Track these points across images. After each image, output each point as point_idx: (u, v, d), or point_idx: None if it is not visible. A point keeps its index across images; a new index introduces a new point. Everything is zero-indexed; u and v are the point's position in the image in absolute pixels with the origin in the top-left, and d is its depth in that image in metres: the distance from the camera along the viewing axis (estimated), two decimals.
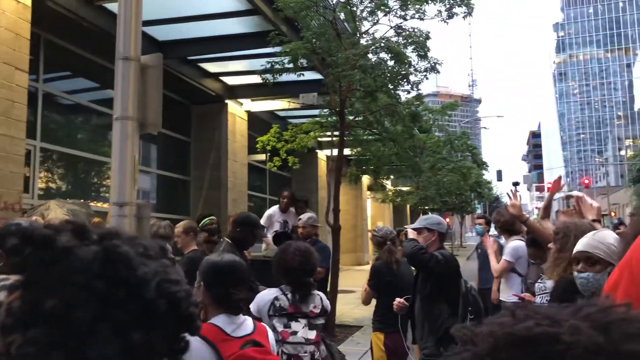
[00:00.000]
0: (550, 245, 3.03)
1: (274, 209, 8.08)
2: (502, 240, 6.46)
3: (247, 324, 2.25)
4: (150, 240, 0.83)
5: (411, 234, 3.88)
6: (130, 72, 4.66)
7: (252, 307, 3.09)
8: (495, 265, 5.77)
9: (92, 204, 9.75)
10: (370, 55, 8.60)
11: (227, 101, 11.89)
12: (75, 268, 0.70)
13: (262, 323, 2.45)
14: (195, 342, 2.12)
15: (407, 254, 3.84)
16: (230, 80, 11.71)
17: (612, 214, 44.73)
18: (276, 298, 3.07)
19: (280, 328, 2.99)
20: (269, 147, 10.77)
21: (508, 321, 0.56)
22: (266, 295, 3.14)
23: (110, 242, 0.74)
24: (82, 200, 8.01)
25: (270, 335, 2.41)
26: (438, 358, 3.54)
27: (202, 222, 6.08)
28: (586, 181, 48.28)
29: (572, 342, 0.51)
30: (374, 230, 5.34)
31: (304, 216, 6.47)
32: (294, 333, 2.99)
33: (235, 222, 4.89)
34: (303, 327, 3.04)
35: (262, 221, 6.64)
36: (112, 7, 7.54)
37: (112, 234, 0.77)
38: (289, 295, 3.08)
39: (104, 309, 0.69)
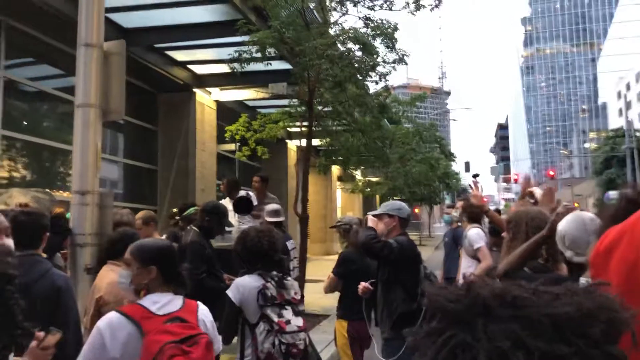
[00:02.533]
0: (504, 234, 3.11)
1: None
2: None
3: (175, 302, 2.33)
4: None
5: (370, 222, 3.90)
6: (92, 59, 4.59)
7: (233, 295, 3.05)
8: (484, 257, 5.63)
9: (57, 192, 9.57)
10: (338, 46, 8.62)
11: (195, 90, 11.77)
12: None
13: (193, 301, 2.45)
14: (119, 319, 2.18)
15: (360, 244, 3.87)
16: (199, 69, 11.59)
17: (576, 204, 45.81)
18: (265, 287, 3.02)
19: (275, 318, 2.96)
20: (237, 137, 10.72)
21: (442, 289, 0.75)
22: (249, 283, 3.07)
23: None
24: (45, 190, 7.86)
25: (202, 311, 2.42)
26: (395, 341, 3.62)
27: (187, 212, 6.10)
28: (551, 173, 49.33)
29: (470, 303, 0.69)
30: (338, 220, 5.38)
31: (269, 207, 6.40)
32: (288, 322, 2.99)
33: (204, 210, 4.89)
34: (292, 315, 3.04)
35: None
36: None
37: None
38: (273, 283, 3.06)
39: None
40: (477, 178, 5.08)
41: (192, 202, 6.98)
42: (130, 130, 11.56)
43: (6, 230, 2.27)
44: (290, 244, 6.08)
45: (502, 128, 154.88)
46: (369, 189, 21.33)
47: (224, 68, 10.43)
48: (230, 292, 3.09)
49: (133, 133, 11.69)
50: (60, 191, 9.70)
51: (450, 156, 31.24)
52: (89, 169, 4.51)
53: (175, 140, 11.77)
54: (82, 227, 4.39)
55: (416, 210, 38.05)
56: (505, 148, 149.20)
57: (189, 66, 11.39)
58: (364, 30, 8.60)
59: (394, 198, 22.28)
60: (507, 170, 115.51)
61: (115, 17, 8.76)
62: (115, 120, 5.87)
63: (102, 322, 2.20)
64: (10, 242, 2.29)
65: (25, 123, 9.08)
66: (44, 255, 3.15)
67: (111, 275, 3.12)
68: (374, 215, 3.98)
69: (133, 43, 9.04)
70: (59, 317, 2.70)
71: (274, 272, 3.15)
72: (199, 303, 2.44)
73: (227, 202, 6.42)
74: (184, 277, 2.43)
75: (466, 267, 5.84)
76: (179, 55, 10.78)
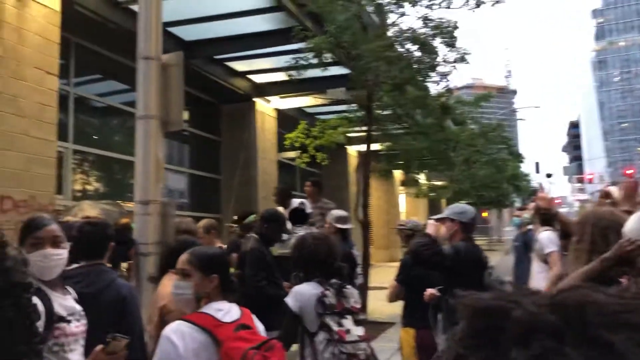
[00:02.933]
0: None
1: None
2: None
3: (234, 310, 2.31)
4: None
5: (430, 227, 3.73)
6: (151, 72, 4.69)
7: (292, 303, 2.98)
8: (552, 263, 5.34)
9: (127, 204, 9.92)
10: (396, 47, 8.48)
11: (255, 99, 11.92)
12: None
13: (245, 308, 2.41)
14: (189, 328, 2.14)
15: (410, 251, 3.71)
16: (258, 78, 11.72)
17: None
18: (324, 295, 2.93)
19: (335, 327, 2.86)
20: (297, 144, 10.75)
21: (482, 295, 0.60)
22: (307, 291, 2.99)
23: None
24: (116, 202, 8.14)
25: (254, 317, 2.38)
26: None
27: (247, 219, 6.16)
28: (629, 171, 46.73)
29: (519, 318, 0.53)
30: (400, 223, 5.21)
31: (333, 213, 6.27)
32: (348, 331, 2.89)
33: (263, 218, 4.88)
34: (352, 324, 2.94)
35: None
36: (137, 7, 7.61)
37: None
38: (333, 291, 2.97)
39: None
40: (550, 178, 4.79)
41: (251, 210, 7.01)
42: (195, 141, 11.85)
43: (53, 239, 2.30)
44: (354, 252, 5.95)
45: (574, 126, 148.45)
46: (433, 193, 20.90)
47: (282, 76, 10.51)
48: (288, 300, 3.03)
49: (197, 144, 11.97)
50: (129, 202, 10.03)
51: (518, 157, 30.14)
52: (150, 179, 4.60)
53: (238, 149, 11.95)
54: (146, 237, 4.47)
55: (484, 214, 36.97)
56: (578, 147, 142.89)
57: (249, 76, 11.54)
58: (422, 30, 8.42)
59: (461, 202, 21.73)
60: (580, 169, 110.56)
61: (176, 30, 8.99)
62: (175, 131, 5.99)
63: (171, 331, 2.16)
64: (64, 252, 2.31)
65: (95, 137, 9.46)
66: (109, 265, 3.21)
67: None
68: (437, 220, 3.81)
69: (194, 55, 9.25)
70: (125, 326, 2.72)
71: (333, 280, 3.06)
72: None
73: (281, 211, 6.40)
74: (236, 285, 2.42)
75: (538, 272, 5.53)
76: (239, 66, 10.94)
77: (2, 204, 6.23)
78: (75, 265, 2.97)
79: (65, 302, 2.34)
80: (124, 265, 4.65)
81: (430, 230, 3.72)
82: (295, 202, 6.41)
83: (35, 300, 2.17)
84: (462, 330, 0.57)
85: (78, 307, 2.40)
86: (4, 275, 1.32)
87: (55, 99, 7.03)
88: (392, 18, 9.08)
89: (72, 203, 8.24)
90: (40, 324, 2.14)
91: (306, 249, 3.13)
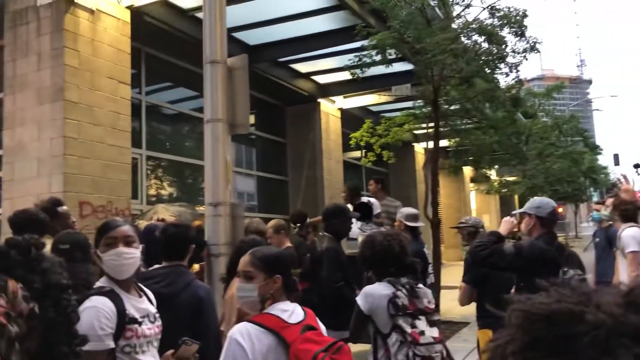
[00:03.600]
0: None
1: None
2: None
3: (298, 311, 2.27)
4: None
5: (504, 223, 3.56)
6: (217, 75, 4.76)
7: (362, 303, 2.92)
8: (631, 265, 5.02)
9: (198, 207, 10.19)
10: (462, 39, 8.23)
11: (319, 100, 11.95)
12: None
13: (308, 309, 2.35)
14: (256, 329, 2.11)
15: (468, 251, 3.55)
16: (322, 79, 11.74)
17: None
18: (395, 295, 2.85)
19: (408, 329, 2.78)
20: (362, 143, 10.66)
21: (537, 298, 0.53)
22: (378, 291, 2.91)
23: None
24: (189, 204, 8.36)
25: (318, 319, 2.33)
26: None
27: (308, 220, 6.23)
28: None
29: (596, 322, 0.45)
30: (461, 221, 5.00)
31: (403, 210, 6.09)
32: (422, 333, 2.80)
33: (329, 214, 4.75)
34: (426, 325, 2.85)
35: None
36: (202, 15, 7.78)
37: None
38: (405, 291, 2.88)
39: None
40: (638, 169, 4.46)
41: (304, 211, 7.00)
42: (262, 144, 12.02)
43: (125, 239, 2.34)
44: (425, 250, 5.78)
45: None
46: (505, 189, 20.21)
47: (346, 75, 10.46)
48: (359, 300, 2.97)
49: (264, 146, 12.14)
50: (200, 205, 10.30)
51: (595, 149, 28.68)
52: (219, 181, 4.66)
53: (303, 150, 12.02)
54: (217, 238, 4.53)
55: (560, 210, 35.46)
56: None
57: (313, 77, 11.58)
58: (489, 21, 8.13)
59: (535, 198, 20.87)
60: None
61: (239, 35, 9.13)
62: (242, 134, 6.06)
63: (237, 333, 2.14)
64: (136, 251, 2.36)
65: (166, 143, 9.77)
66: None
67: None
68: (519, 215, 3.63)
69: (258, 59, 9.36)
70: (201, 327, 2.75)
71: (405, 280, 2.96)
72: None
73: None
74: (296, 284, 2.38)
75: (623, 270, 5.18)
76: (302, 67, 11.00)
77: (82, 209, 6.53)
78: (156, 266, 3.04)
79: (139, 304, 2.38)
80: (195, 266, 4.74)
81: (504, 227, 3.56)
82: (363, 199, 6.32)
83: (107, 301, 2.22)
84: (518, 340, 0.50)
85: (152, 309, 2.43)
86: (41, 276, 1.35)
87: (128, 107, 7.31)
88: (456, 10, 8.85)
89: (147, 207, 8.55)
90: (112, 325, 2.19)
91: (377, 246, 3.04)
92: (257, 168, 12.04)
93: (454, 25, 8.36)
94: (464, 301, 4.59)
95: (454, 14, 8.73)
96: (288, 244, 5.22)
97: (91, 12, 6.86)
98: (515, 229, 3.84)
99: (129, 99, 7.36)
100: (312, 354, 2.02)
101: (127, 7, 7.32)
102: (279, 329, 2.12)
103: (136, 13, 7.45)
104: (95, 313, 2.18)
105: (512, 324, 0.51)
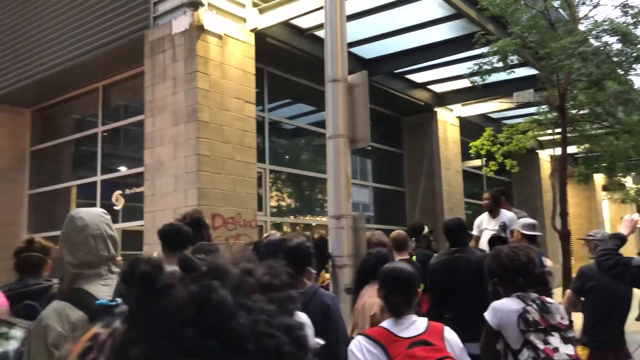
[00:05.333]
0: None
1: (483, 215, 6.55)
2: None
3: (417, 325, 2.32)
4: (274, 267, 0.70)
5: (625, 225, 3.31)
6: (338, 93, 4.92)
7: (491, 318, 2.86)
8: None
9: (315, 218, 10.49)
10: (591, 41, 7.77)
11: (436, 109, 11.80)
12: (164, 312, 0.60)
13: (439, 323, 2.38)
14: (367, 342, 2.20)
15: (595, 259, 3.32)
16: (439, 88, 11.60)
17: None
18: (525, 310, 2.76)
19: (541, 345, 2.69)
20: (483, 152, 10.37)
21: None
22: (507, 306, 2.83)
23: (207, 283, 0.62)
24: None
25: (449, 333, 2.33)
26: None
27: (424, 233, 6.18)
28: None
29: None
30: (589, 234, 4.73)
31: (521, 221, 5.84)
32: (556, 350, 2.69)
33: (446, 229, 4.64)
34: (560, 342, 2.74)
35: (474, 232, 6.08)
36: (321, 33, 8.05)
37: (215, 270, 0.64)
38: (535, 307, 2.79)
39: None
40: None
41: (421, 223, 6.93)
42: (377, 155, 12.09)
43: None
44: (545, 260, 5.51)
45: None
46: None
47: (464, 83, 10.26)
48: (487, 315, 2.91)
49: (380, 158, 12.19)
50: (319, 216, 10.59)
51: None
52: (341, 194, 4.80)
53: (420, 161, 11.92)
54: (340, 250, 4.66)
55: None
56: None
57: (429, 86, 11.48)
58: (622, 19, 7.60)
59: None
60: None
61: (356, 50, 9.31)
62: (362, 147, 6.18)
63: (353, 345, 2.30)
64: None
65: (286, 157, 10.17)
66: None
67: (365, 300, 3.39)
68: None
69: (374, 72, 9.47)
70: (330, 334, 2.87)
71: (535, 295, 2.87)
72: (445, 326, 2.36)
73: (486, 219, 6.04)
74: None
75: None
76: (419, 77, 10.94)
77: (214, 221, 6.99)
78: None
79: None
80: (325, 275, 4.90)
81: (625, 226, 3.33)
82: (506, 215, 5.94)
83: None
84: None
85: None
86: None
87: (253, 125, 7.74)
88: (583, 11, 8.37)
89: (270, 219, 8.95)
90: None
91: (504, 257, 2.97)
92: (373, 179, 12.11)
93: (580, 27, 7.91)
94: (567, 307, 4.37)
95: (580, 14, 8.27)
96: (405, 256, 5.22)
97: (219, 37, 7.36)
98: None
99: (254, 117, 7.79)
100: None
101: (251, 30, 7.76)
102: (385, 342, 2.22)
103: (259, 35, 7.88)
104: None
105: None
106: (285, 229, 9.43)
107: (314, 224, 10.27)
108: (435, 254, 6.20)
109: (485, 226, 5.93)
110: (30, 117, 10.60)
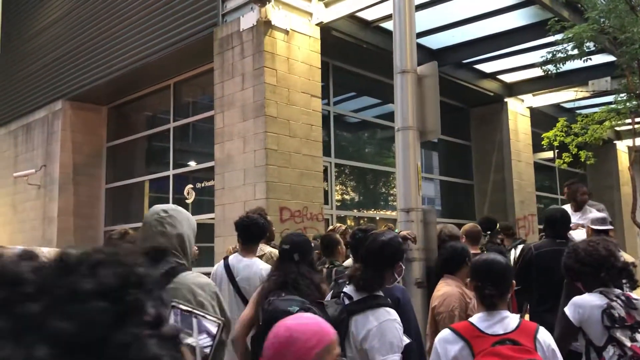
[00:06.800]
0: None
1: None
2: None
3: (507, 322, 2.24)
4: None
5: None
6: (407, 84, 4.85)
7: (572, 314, 2.76)
8: None
9: (381, 212, 10.43)
10: None
11: (506, 99, 11.44)
12: None
13: (532, 322, 2.32)
14: (452, 336, 2.20)
15: None
16: (508, 78, 11.23)
17: None
18: (610, 306, 2.66)
19: (628, 342, 2.59)
20: (556, 143, 9.97)
21: None
22: (590, 302, 2.72)
23: None
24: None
25: (542, 334, 2.24)
26: None
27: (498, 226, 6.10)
28: None
29: None
30: None
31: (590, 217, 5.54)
32: None
33: (547, 219, 4.46)
34: None
35: None
36: (387, 25, 7.98)
37: None
38: (620, 302, 2.67)
39: None
40: None
41: (490, 216, 6.74)
42: (445, 147, 11.87)
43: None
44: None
45: None
46: None
47: (535, 72, 9.89)
48: (568, 310, 2.80)
49: (447, 150, 11.97)
50: (384, 210, 10.53)
51: None
52: (411, 187, 4.74)
53: (489, 153, 11.60)
54: (410, 243, 4.61)
55: None
56: None
57: (499, 76, 11.14)
58: None
59: None
60: None
61: (423, 40, 9.14)
62: (431, 140, 6.09)
63: (438, 339, 2.29)
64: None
65: (351, 150, 10.16)
66: None
67: (445, 288, 3.37)
68: None
69: (442, 62, 9.25)
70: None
71: (619, 291, 2.74)
72: (540, 326, 2.27)
73: (568, 209, 5.77)
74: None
75: None
76: (488, 67, 10.64)
77: (281, 214, 7.10)
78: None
79: None
80: None
81: None
82: (590, 210, 5.65)
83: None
84: None
85: None
86: None
87: (319, 119, 7.78)
88: None
89: (336, 212, 8.98)
90: None
91: (582, 252, 2.85)
92: (441, 172, 11.90)
93: None
94: None
95: None
96: (477, 251, 5.10)
97: (286, 32, 7.43)
98: None
99: (320, 111, 7.82)
100: None
101: (317, 24, 7.79)
102: (470, 337, 2.19)
103: (325, 29, 7.89)
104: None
105: None
106: (349, 222, 9.44)
107: (378, 217, 10.21)
108: (510, 249, 6.03)
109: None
110: (106, 114, 11.11)
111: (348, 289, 2.69)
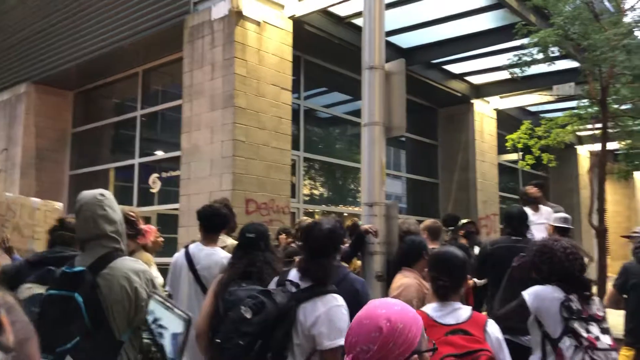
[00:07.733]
0: None
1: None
2: None
3: (459, 313, 2.30)
4: None
5: None
6: (375, 80, 4.91)
7: (531, 301, 2.86)
8: None
9: (348, 207, 10.51)
10: (637, 34, 7.55)
11: (473, 101, 11.65)
12: None
13: (482, 314, 2.37)
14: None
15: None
16: (476, 79, 11.44)
17: None
18: (568, 299, 2.77)
19: (584, 333, 2.71)
20: (520, 145, 10.20)
21: None
22: (549, 293, 2.82)
23: None
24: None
25: (491, 326, 2.29)
26: None
27: (461, 223, 6.20)
28: None
29: None
30: (635, 230, 4.63)
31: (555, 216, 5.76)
32: (597, 338, 2.71)
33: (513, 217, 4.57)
34: (599, 332, 2.74)
35: None
36: (359, 21, 8.03)
37: None
38: (576, 296, 2.79)
39: None
40: None
41: (457, 215, 6.89)
42: (412, 146, 12.02)
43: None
44: None
45: None
46: None
47: (502, 75, 10.10)
48: (527, 295, 2.88)
49: (414, 149, 12.12)
50: (352, 206, 10.61)
51: None
52: (375, 182, 4.81)
53: (455, 153, 11.80)
54: (372, 237, 4.67)
55: None
56: None
57: (467, 77, 11.33)
58: None
59: None
60: None
61: (393, 39, 9.24)
62: (397, 136, 6.17)
63: None
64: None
65: (320, 145, 10.20)
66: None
67: (403, 280, 3.46)
68: None
69: (412, 62, 9.40)
70: None
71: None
72: (489, 319, 2.35)
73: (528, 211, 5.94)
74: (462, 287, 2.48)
75: None
76: (456, 68, 10.81)
77: (247, 206, 7.10)
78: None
79: None
80: (357, 262, 4.93)
81: None
82: (546, 210, 5.89)
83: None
84: None
85: None
86: None
87: (289, 112, 7.79)
88: (629, 2, 8.14)
89: (303, 206, 9.02)
90: None
91: (557, 264, 2.90)
92: (407, 170, 12.05)
93: (626, 19, 7.69)
94: (607, 304, 4.32)
95: (626, 6, 8.04)
96: (437, 245, 5.20)
97: (258, 23, 7.41)
98: None
99: (290, 104, 7.83)
100: (439, 357, 2.05)
101: (290, 18, 7.79)
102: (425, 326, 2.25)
103: (297, 23, 7.90)
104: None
105: None
106: (317, 216, 9.49)
107: (346, 213, 10.29)
108: (474, 246, 6.14)
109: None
110: (72, 99, 10.89)
111: (293, 275, 2.66)
